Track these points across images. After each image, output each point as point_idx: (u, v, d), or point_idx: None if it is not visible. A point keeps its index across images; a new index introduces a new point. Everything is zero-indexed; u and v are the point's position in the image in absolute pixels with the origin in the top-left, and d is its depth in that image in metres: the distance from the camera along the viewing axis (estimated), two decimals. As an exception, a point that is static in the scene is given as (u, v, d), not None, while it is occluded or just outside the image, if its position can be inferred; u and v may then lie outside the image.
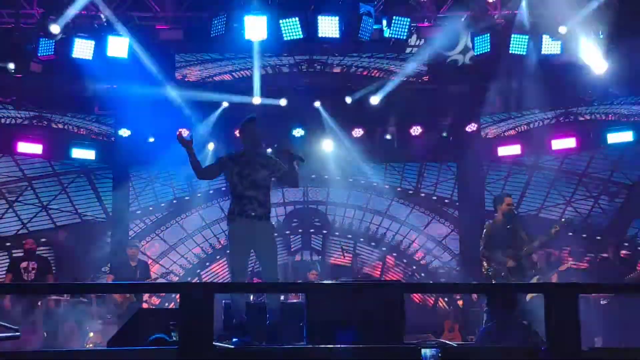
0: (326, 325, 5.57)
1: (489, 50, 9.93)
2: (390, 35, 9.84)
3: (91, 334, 10.11)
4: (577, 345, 4.03)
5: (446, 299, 13.07)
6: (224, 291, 7.37)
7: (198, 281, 13.08)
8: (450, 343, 6.27)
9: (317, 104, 12.37)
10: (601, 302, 9.95)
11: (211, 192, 13.39)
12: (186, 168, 7.06)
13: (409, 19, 9.79)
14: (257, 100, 11.73)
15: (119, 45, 9.99)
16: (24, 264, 10.57)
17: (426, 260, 13.57)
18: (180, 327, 4.93)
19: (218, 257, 13.43)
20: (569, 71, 10.50)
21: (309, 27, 9.63)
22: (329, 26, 9.63)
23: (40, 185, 12.78)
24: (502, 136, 13.23)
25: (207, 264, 13.48)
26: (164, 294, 12.51)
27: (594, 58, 9.77)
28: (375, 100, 11.91)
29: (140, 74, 10.75)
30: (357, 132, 12.79)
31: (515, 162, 13.08)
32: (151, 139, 12.50)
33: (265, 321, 6.60)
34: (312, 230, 13.72)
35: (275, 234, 7.11)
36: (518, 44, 9.88)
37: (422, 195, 13.75)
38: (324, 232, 13.72)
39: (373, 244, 13.70)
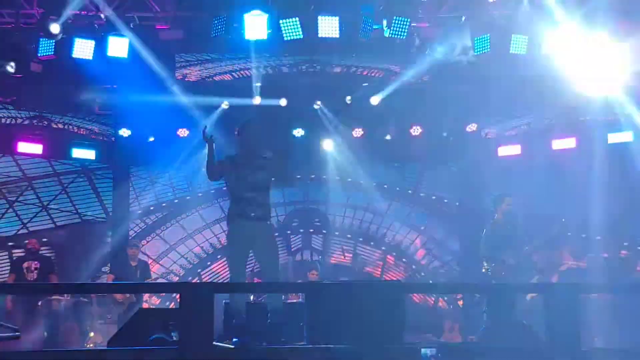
0: (326, 325, 5.58)
1: (489, 50, 9.94)
2: (390, 35, 9.84)
3: (91, 334, 10.12)
4: (577, 345, 4.03)
5: (446, 299, 13.07)
6: (224, 291, 7.38)
7: (198, 281, 13.08)
8: (450, 343, 6.28)
9: (317, 104, 12.38)
10: (601, 302, 9.94)
11: (212, 191, 13.39)
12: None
13: (409, 19, 9.78)
14: (257, 100, 11.73)
15: (119, 45, 9.99)
16: (26, 264, 10.59)
17: (426, 260, 13.57)
18: (180, 327, 4.94)
19: (219, 256, 13.42)
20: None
21: (309, 27, 9.64)
22: (329, 26, 9.63)
23: (40, 185, 12.78)
24: (502, 136, 13.23)
25: (209, 263, 13.47)
26: (164, 294, 12.51)
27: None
28: (375, 100, 11.92)
29: (141, 74, 10.74)
30: (357, 132, 12.80)
31: (516, 162, 13.05)
32: (151, 139, 12.51)
33: (265, 321, 6.61)
34: (312, 230, 13.72)
35: (276, 234, 7.12)
36: (518, 44, 9.89)
37: (422, 195, 13.75)
38: (324, 232, 13.72)
39: (372, 243, 13.71)
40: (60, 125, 12.77)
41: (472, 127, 12.82)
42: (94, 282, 11.89)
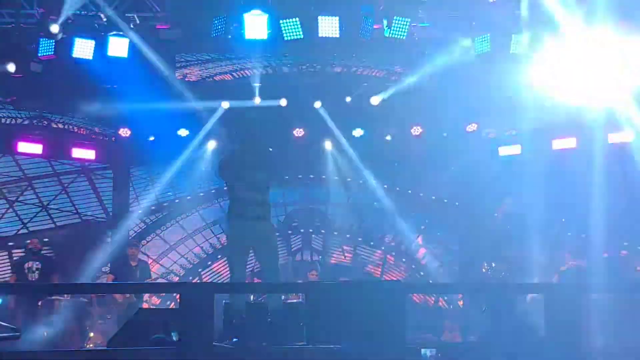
0: (326, 325, 5.58)
1: (489, 50, 9.94)
2: (390, 35, 9.84)
3: (91, 334, 10.11)
4: (576, 344, 4.03)
5: (446, 299, 13.07)
6: (224, 291, 7.39)
7: (199, 281, 13.09)
8: (450, 343, 6.28)
9: (317, 104, 12.38)
10: (601, 302, 9.94)
11: (212, 191, 13.38)
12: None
13: (409, 19, 9.79)
14: (257, 100, 11.74)
15: (119, 45, 10.00)
16: (28, 264, 10.61)
17: (426, 260, 13.57)
18: (180, 327, 4.94)
19: (219, 256, 13.43)
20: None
21: (310, 27, 9.64)
22: (329, 26, 9.64)
23: (40, 185, 12.79)
24: (502, 136, 13.22)
25: (209, 263, 13.48)
26: (164, 294, 12.51)
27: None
28: (375, 100, 11.92)
29: (141, 74, 10.75)
30: (357, 132, 12.80)
31: (516, 162, 13.05)
32: (151, 139, 12.51)
33: (265, 321, 6.61)
34: (312, 230, 13.72)
35: (277, 234, 7.12)
36: (517, 44, 9.89)
37: (422, 195, 13.75)
38: (324, 232, 13.72)
39: (372, 243, 13.71)
40: (60, 125, 12.77)
41: (472, 127, 12.81)
42: (94, 282, 11.89)
